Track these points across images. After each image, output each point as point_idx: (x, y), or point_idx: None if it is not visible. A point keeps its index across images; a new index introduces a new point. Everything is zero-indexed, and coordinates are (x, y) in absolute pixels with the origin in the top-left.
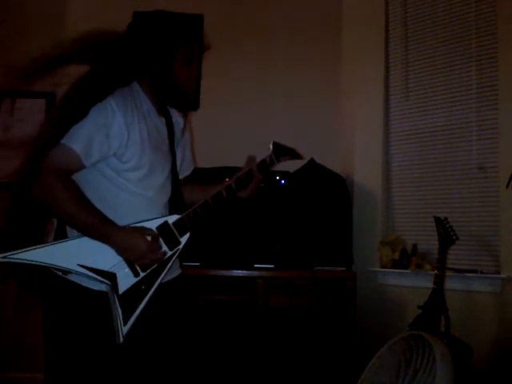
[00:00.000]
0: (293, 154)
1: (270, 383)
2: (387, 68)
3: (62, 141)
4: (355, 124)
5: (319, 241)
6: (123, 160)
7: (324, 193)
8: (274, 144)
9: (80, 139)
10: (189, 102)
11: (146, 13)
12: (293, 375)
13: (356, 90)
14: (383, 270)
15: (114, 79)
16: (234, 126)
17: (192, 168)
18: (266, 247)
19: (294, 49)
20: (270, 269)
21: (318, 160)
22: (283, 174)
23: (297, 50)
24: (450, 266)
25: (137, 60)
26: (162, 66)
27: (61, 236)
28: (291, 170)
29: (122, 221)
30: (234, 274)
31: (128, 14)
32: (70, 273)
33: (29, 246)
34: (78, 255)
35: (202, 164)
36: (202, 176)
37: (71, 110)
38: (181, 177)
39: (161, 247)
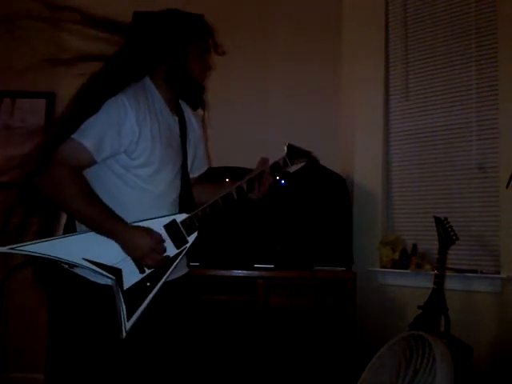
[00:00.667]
0: (308, 157)
1: (270, 383)
2: (387, 68)
3: (74, 136)
4: (355, 124)
5: (319, 241)
6: (133, 157)
7: (324, 193)
8: (289, 146)
9: (92, 135)
10: (203, 97)
11: (154, 12)
12: (293, 375)
13: (356, 90)
14: (383, 270)
15: (127, 73)
16: (234, 126)
17: (206, 167)
18: (266, 247)
19: (294, 49)
20: (270, 269)
21: None
22: (283, 174)
23: (297, 50)
24: (450, 265)
25: (152, 52)
26: (177, 59)
27: (70, 230)
28: (291, 170)
29: (130, 217)
30: (234, 274)
31: (128, 13)
32: (76, 266)
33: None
34: (83, 249)
35: None
36: (201, 176)
37: (83, 105)
38: (193, 176)
39: (165, 250)
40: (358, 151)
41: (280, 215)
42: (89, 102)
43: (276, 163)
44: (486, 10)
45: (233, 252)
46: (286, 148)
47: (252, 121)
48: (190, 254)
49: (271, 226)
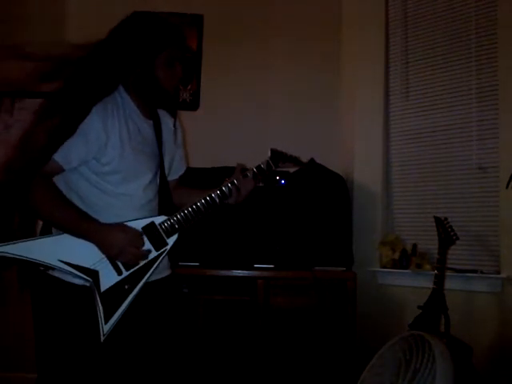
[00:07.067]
0: (295, 162)
1: (270, 383)
2: (387, 68)
3: None
4: (355, 124)
5: (319, 241)
6: (102, 162)
7: (324, 193)
8: (272, 151)
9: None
10: (175, 102)
11: (124, 20)
12: (293, 375)
13: (356, 90)
14: (383, 270)
15: (96, 92)
16: (234, 126)
17: (184, 169)
18: (266, 247)
19: (293, 49)
20: (269, 269)
21: (318, 160)
22: (283, 174)
23: (297, 50)
24: (449, 265)
25: (115, 70)
26: (143, 71)
27: (46, 233)
28: (291, 170)
29: (102, 220)
30: (233, 274)
31: (128, 12)
32: (53, 269)
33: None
34: (59, 251)
35: (201, 164)
36: (201, 176)
37: (60, 127)
38: (172, 178)
39: (143, 244)
40: (357, 151)
41: (280, 215)
42: (65, 125)
43: (259, 166)
44: (486, 10)
45: (233, 252)
46: (269, 152)
47: (252, 120)
48: (190, 255)
49: (271, 226)
